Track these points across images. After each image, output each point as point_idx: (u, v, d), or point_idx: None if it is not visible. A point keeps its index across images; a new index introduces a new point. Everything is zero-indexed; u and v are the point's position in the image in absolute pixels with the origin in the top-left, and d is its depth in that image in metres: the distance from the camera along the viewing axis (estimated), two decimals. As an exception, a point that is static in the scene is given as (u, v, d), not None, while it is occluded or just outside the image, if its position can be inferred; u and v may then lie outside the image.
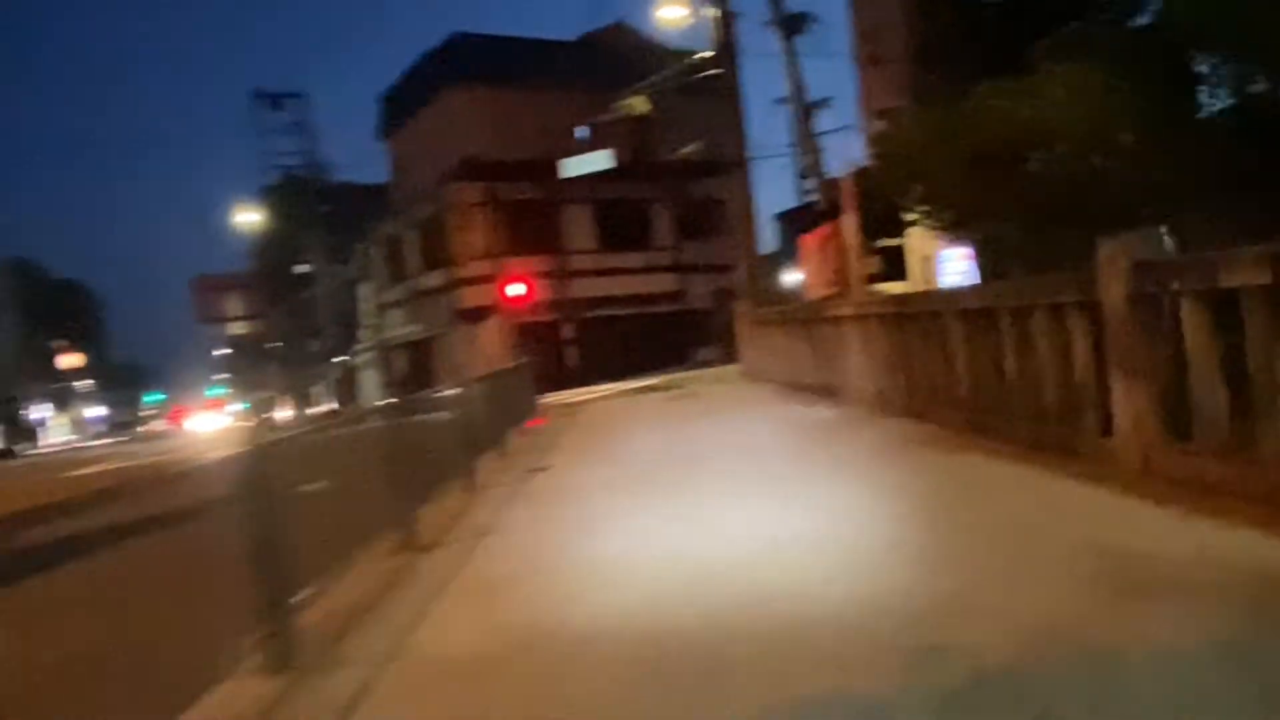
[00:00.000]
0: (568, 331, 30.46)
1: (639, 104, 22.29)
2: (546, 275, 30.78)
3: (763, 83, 47.06)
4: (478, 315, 30.20)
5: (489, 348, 30.11)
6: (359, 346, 39.76)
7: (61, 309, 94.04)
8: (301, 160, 41.03)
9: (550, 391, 27.58)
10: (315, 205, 39.40)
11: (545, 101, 31.08)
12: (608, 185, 31.89)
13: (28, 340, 79.70)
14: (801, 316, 12.86)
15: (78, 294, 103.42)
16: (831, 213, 15.18)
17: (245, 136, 42.96)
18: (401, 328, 34.56)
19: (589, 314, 31.16)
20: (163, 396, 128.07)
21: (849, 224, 13.00)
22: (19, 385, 76.84)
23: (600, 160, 29.29)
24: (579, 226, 32.10)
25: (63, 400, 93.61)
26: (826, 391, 11.48)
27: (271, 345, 55.26)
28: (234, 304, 59.44)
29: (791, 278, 34.51)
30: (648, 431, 11.19)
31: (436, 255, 31.63)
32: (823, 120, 32.19)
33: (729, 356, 34.03)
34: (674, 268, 34.09)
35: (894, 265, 17.49)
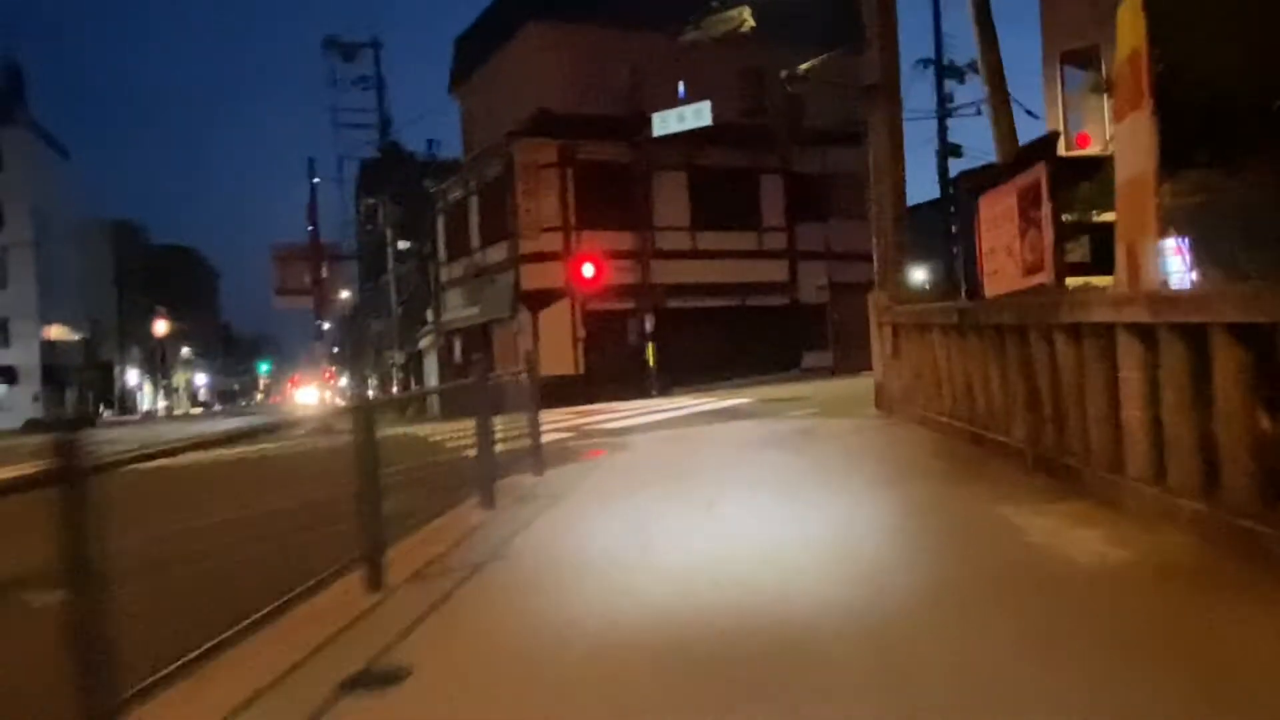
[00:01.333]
0: (648, 324, 25.10)
1: (742, 16, 16.67)
2: (627, 255, 25.48)
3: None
4: (542, 299, 25.11)
5: (554, 339, 24.99)
6: (423, 330, 35.27)
7: (167, 275, 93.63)
8: (376, 120, 36.65)
9: (613, 400, 22.43)
10: (413, 179, 35.13)
11: (639, 45, 25.73)
12: (707, 150, 26.39)
13: (132, 306, 78.88)
14: (994, 319, 7.19)
15: (187, 259, 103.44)
16: (1019, 167, 9.52)
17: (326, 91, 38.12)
18: (461, 310, 29.79)
19: (675, 304, 25.73)
20: (269, 367, 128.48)
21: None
22: (118, 352, 75.94)
23: (698, 115, 23.77)
24: (670, 198, 26.66)
25: (162, 367, 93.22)
26: (1050, 463, 5.91)
27: (364, 323, 52.28)
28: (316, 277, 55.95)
29: (928, 275, 28.35)
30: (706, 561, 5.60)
31: (499, 226, 26.67)
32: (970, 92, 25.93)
33: (844, 363, 28.33)
34: (783, 253, 28.33)
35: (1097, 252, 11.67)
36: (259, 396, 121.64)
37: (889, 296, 11.12)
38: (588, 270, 24.31)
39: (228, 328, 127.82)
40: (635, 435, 11.42)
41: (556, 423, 14.47)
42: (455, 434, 9.37)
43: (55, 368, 60.06)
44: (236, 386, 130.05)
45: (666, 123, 24.05)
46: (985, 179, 10.78)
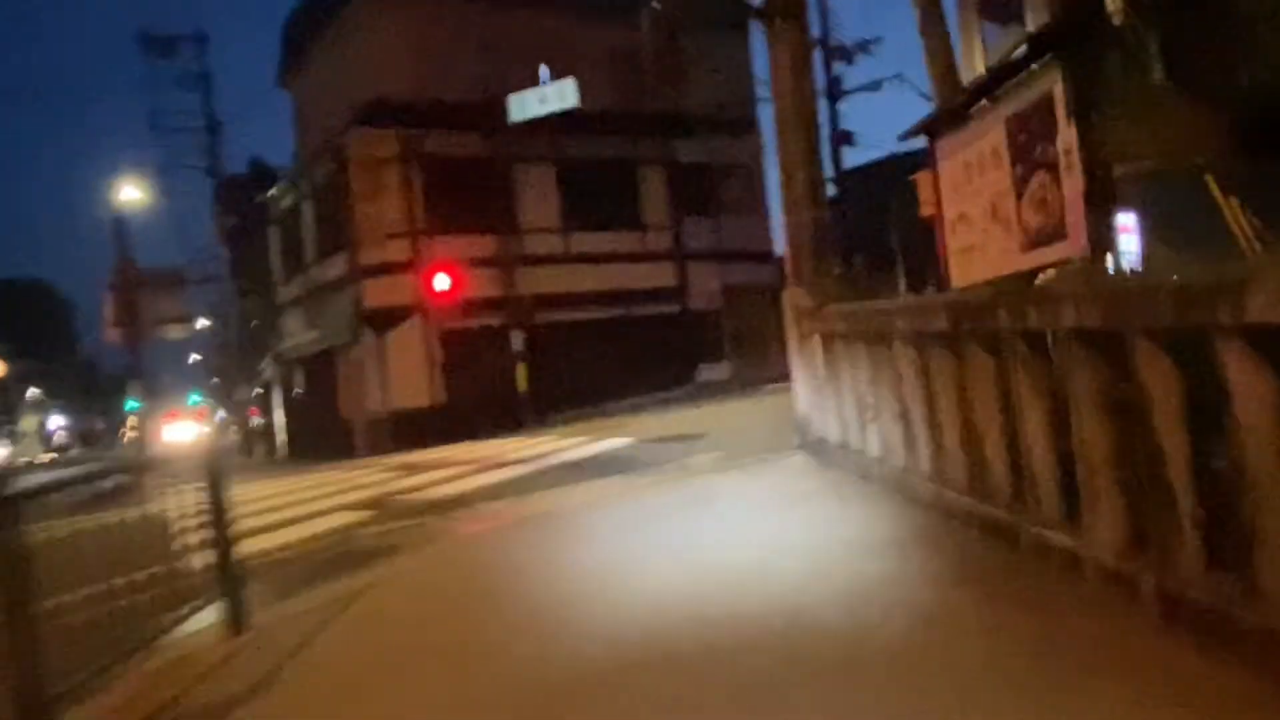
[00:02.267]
0: (517, 342, 21.49)
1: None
2: (489, 263, 21.84)
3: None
4: (389, 319, 21.22)
5: (406, 365, 21.14)
6: (264, 361, 30.80)
7: (13, 312, 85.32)
8: (202, 121, 32.02)
9: (473, 438, 18.78)
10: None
11: (493, 21, 22.17)
12: (577, 139, 23.00)
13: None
14: (1032, 321, 3.87)
15: (36, 293, 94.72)
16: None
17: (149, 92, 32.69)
18: (300, 335, 25.59)
19: (549, 317, 22.18)
20: (138, 405, 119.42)
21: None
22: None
23: (562, 95, 20.33)
24: (537, 195, 23.12)
25: (9, 411, 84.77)
26: (1208, 619, 2.65)
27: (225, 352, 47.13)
28: (164, 305, 50.17)
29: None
30: None
31: (336, 235, 22.67)
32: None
33: (744, 375, 25.26)
34: (670, 254, 25.10)
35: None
36: (126, 435, 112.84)
37: (813, 293, 7.81)
38: (442, 282, 20.58)
39: (91, 364, 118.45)
40: (455, 516, 7.85)
41: (360, 487, 10.82)
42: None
43: None
44: (100, 426, 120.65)
45: (525, 106, 20.54)
46: (940, 124, 7.61)
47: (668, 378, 23.64)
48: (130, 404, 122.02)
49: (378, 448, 20.63)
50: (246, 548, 5.50)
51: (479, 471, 10.78)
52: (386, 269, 21.21)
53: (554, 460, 10.79)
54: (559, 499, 7.73)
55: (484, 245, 21.81)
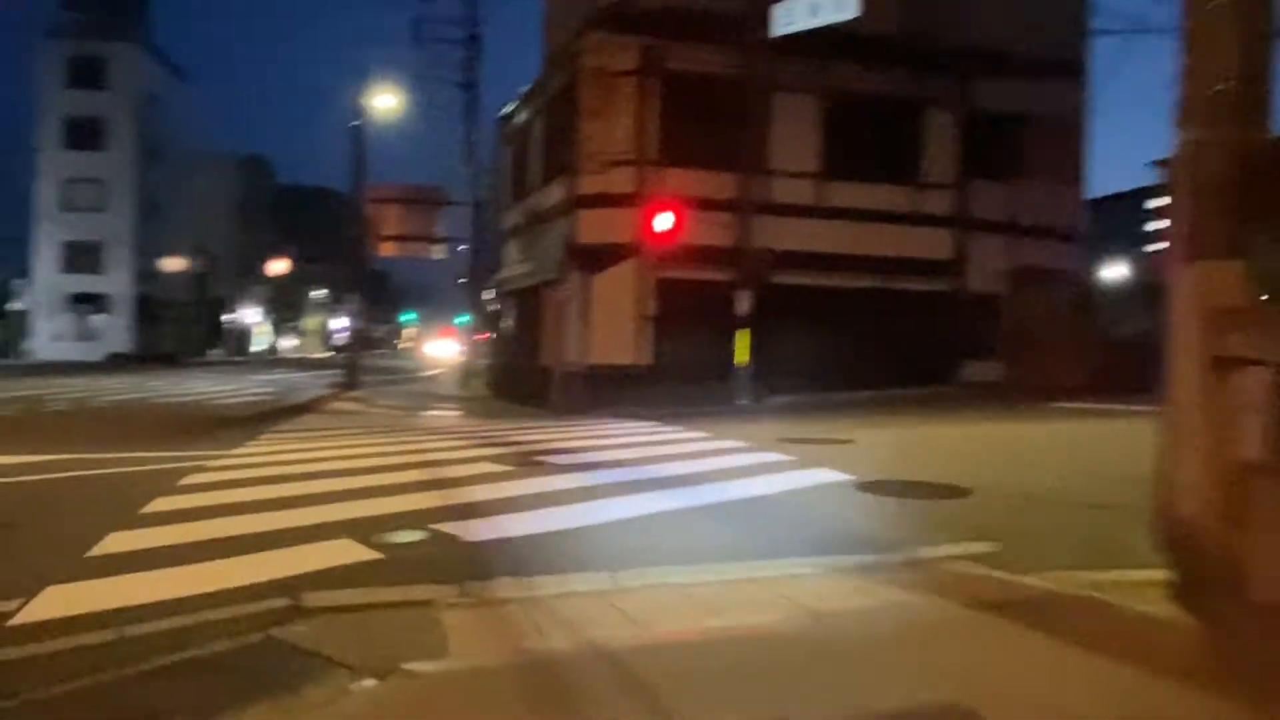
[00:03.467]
0: (744, 304, 17.92)
1: None
2: (723, 205, 18.30)
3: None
4: (601, 258, 18.28)
5: (613, 314, 18.18)
6: (486, 290, 29.09)
7: (306, 215, 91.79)
8: (464, 33, 30.44)
9: (685, 406, 15.50)
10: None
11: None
12: (852, 68, 18.92)
13: (260, 244, 76.52)
14: None
15: (332, 201, 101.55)
16: None
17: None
18: (517, 266, 23.33)
19: (787, 279, 18.41)
20: (415, 316, 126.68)
21: None
22: (235, 289, 73.72)
23: (838, 6, 16.26)
24: (793, 131, 19.25)
25: (289, 309, 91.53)
26: None
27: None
28: (420, 224, 50.73)
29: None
30: None
31: (560, 159, 19.95)
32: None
33: (1019, 381, 20.23)
34: (949, 220, 20.50)
35: None
36: (400, 344, 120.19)
37: (1248, 276, 3.74)
38: (664, 222, 17.26)
39: (380, 274, 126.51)
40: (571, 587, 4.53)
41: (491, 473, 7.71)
42: None
43: (157, 300, 57.51)
44: (378, 334, 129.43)
45: (793, 14, 16.63)
46: None
47: (923, 371, 19.28)
48: (406, 315, 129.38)
49: (570, 406, 17.89)
50: None
51: (636, 468, 7.42)
52: (605, 200, 18.22)
53: (708, 493, 7.18)
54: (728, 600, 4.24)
55: (720, 184, 18.28)
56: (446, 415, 17.62)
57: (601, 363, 18.11)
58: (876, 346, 19.11)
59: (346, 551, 5.11)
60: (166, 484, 7.19)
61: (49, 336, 53.35)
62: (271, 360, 62.76)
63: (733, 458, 9.10)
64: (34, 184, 53.64)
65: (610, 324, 18.15)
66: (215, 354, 67.54)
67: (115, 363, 45.21)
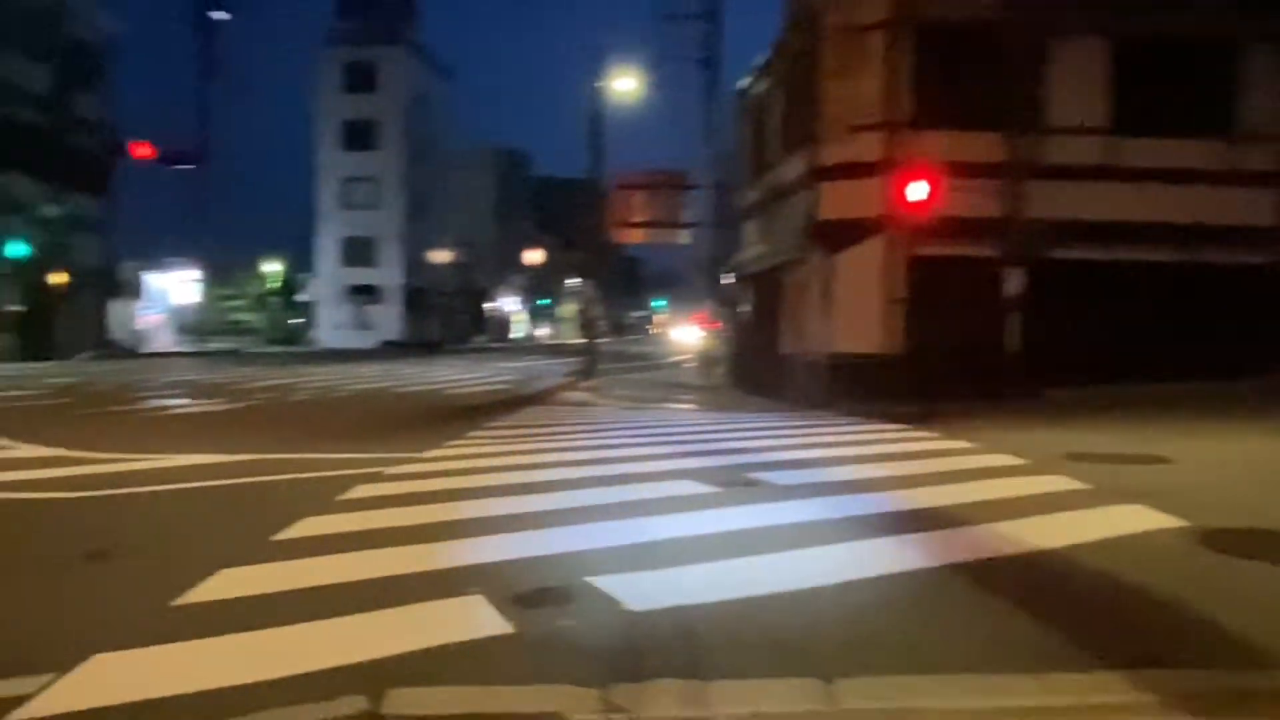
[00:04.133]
0: (1014, 283, 15.46)
1: None
2: (986, 170, 15.90)
3: None
4: (845, 234, 16.44)
5: (858, 296, 16.36)
6: (724, 273, 27.76)
7: (563, 206, 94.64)
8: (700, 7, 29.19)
9: (945, 400, 13.41)
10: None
11: None
12: (1147, 5, 15.90)
13: (516, 234, 79.77)
14: None
15: (588, 191, 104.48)
16: None
17: None
18: (754, 247, 21.84)
19: (1067, 254, 15.72)
20: (664, 303, 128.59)
21: None
22: (494, 278, 77.10)
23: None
24: (1076, 83, 16.40)
25: (545, 296, 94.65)
26: None
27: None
28: (661, 209, 50.33)
29: None
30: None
31: (800, 127, 18.21)
32: None
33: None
34: (1273, 179, 16.88)
35: None
36: (652, 330, 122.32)
37: None
38: (918, 191, 15.09)
39: (631, 260, 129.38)
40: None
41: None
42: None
43: (424, 290, 60.89)
44: (631, 319, 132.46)
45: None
46: None
47: (1233, 361, 15.94)
48: (657, 302, 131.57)
49: (810, 399, 16.28)
50: None
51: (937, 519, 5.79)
52: (850, 171, 16.31)
53: (973, 541, 5.34)
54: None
55: (984, 146, 15.88)
56: (676, 409, 16.48)
57: (845, 351, 16.27)
58: (1176, 332, 15.98)
59: (470, 616, 3.88)
60: (323, 498, 6.34)
61: (331, 326, 57.79)
62: (528, 347, 64.93)
63: (1005, 482, 7.17)
64: (315, 184, 58.22)
65: (855, 308, 16.25)
66: (478, 341, 70.89)
67: (386, 350, 48.01)
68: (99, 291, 35.20)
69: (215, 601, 4.09)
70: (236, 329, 60.80)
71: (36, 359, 28.36)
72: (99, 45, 35.75)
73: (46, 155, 30.93)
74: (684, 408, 16.80)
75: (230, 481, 7.21)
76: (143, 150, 29.26)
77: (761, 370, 20.26)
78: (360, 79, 57.60)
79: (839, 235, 16.48)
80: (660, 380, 26.15)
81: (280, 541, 5.09)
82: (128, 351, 35.68)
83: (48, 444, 9.28)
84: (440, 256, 63.40)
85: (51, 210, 30.28)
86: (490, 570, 4.50)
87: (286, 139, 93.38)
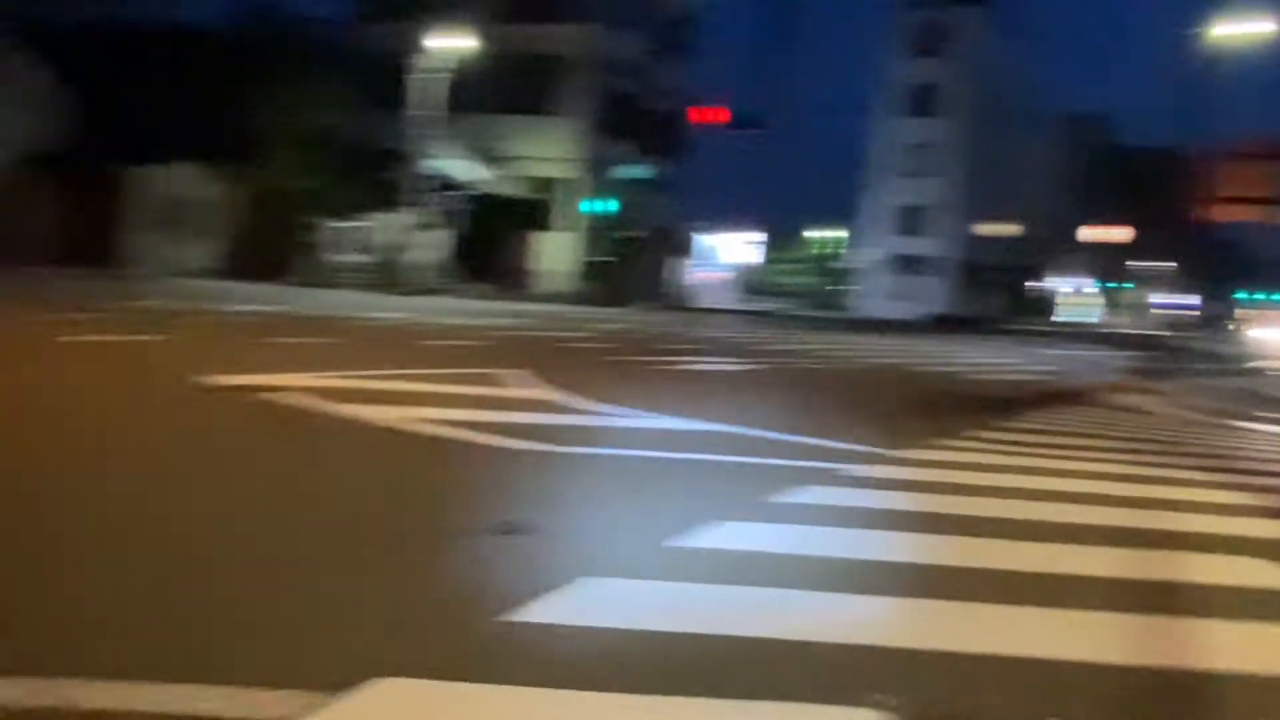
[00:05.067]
0: None
1: None
2: None
3: None
4: None
5: None
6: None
7: (1143, 179, 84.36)
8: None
9: None
10: None
11: None
12: None
13: (1085, 209, 72.46)
14: None
15: (1170, 163, 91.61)
16: None
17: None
18: None
19: None
20: (1247, 296, 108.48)
21: None
22: (1050, 254, 70.91)
23: None
24: None
25: (1106, 276, 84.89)
26: None
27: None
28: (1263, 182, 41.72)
29: None
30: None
31: None
32: None
33: None
34: None
35: None
36: (1230, 327, 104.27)
37: None
38: None
39: (1224, 244, 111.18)
40: None
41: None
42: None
43: (974, 264, 57.79)
44: (1209, 312, 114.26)
45: None
46: None
47: None
48: (1241, 294, 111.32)
49: None
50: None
51: None
52: None
53: None
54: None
55: None
56: (1267, 433, 12.84)
57: None
58: None
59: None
60: (748, 496, 5.31)
61: (874, 294, 57.49)
62: (1080, 333, 58.66)
63: None
64: (869, 150, 57.88)
65: None
66: (1024, 321, 65.82)
67: (925, 324, 46.31)
68: (664, 248, 38.49)
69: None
70: (785, 291, 63.40)
71: (607, 305, 31.78)
72: (684, 16, 38.65)
73: (633, 120, 34.26)
74: (1277, 430, 13.04)
75: (667, 455, 6.54)
76: (717, 114, 30.93)
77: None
78: (932, 42, 55.74)
79: None
80: (1247, 390, 21.25)
81: (670, 549, 4.15)
82: (681, 305, 38.65)
83: (550, 385, 9.56)
84: (995, 230, 59.57)
85: (638, 172, 33.50)
86: (902, 673, 3.07)
87: (855, 105, 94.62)
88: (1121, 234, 69.18)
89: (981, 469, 6.90)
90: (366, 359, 10.23)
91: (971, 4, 54.94)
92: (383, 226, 28.06)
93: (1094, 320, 78.61)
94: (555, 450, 6.34)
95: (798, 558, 4.12)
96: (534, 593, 3.28)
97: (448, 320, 18.00)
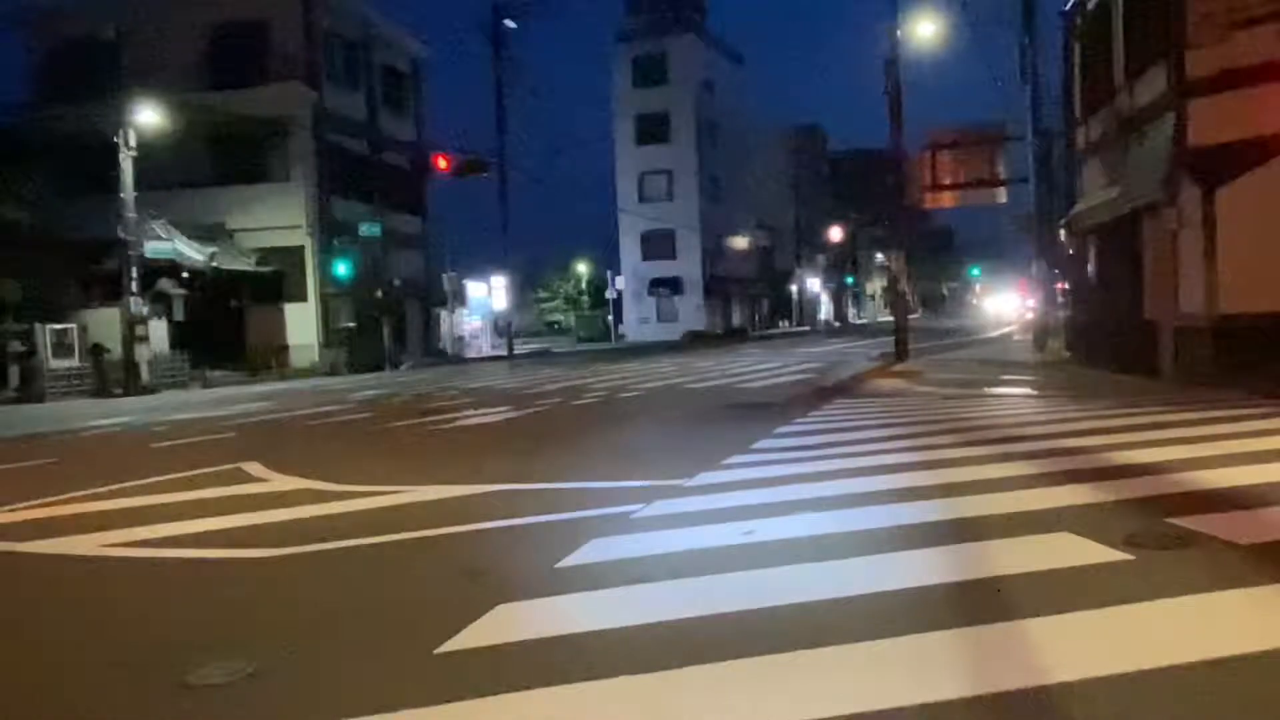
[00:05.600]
0: None
1: None
2: None
3: None
4: (1223, 164, 12.81)
5: (1247, 243, 12.77)
6: (1059, 226, 23.92)
7: (859, 179, 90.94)
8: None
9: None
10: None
11: None
12: None
13: (815, 213, 77.02)
14: None
15: (881, 162, 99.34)
16: None
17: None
18: (1097, 194, 18.16)
19: None
20: (978, 272, 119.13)
21: None
22: (795, 260, 74.80)
23: None
24: None
25: (851, 274, 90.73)
26: None
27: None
28: (974, 168, 45.80)
29: None
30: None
31: (1151, 37, 14.62)
32: None
33: None
34: None
35: None
36: (974, 301, 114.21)
37: None
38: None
39: (944, 230, 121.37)
40: None
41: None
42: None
43: (724, 278, 59.92)
44: (945, 291, 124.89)
45: None
46: None
47: None
48: (973, 271, 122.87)
49: (1191, 376, 12.93)
50: None
51: None
52: (1231, 80, 12.64)
53: None
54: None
55: None
56: (1011, 396, 13.64)
57: (1238, 312, 12.66)
58: None
59: None
60: (538, 565, 4.68)
61: (637, 320, 58.35)
62: (833, 329, 62.26)
63: None
64: (615, 180, 58.99)
65: (1251, 256, 12.55)
66: (783, 326, 69.05)
67: (688, 342, 47.40)
68: (423, 303, 37.15)
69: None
70: (553, 329, 63.23)
71: (366, 371, 30.11)
72: (409, 70, 37.75)
73: (367, 177, 32.91)
74: (1021, 393, 13.90)
75: (448, 531, 5.80)
76: (440, 162, 30.20)
77: (1114, 342, 16.79)
78: (651, 72, 57.61)
79: (1219, 164, 12.86)
80: (985, 358, 22.92)
81: (441, 655, 3.45)
82: (451, 358, 37.42)
83: (298, 471, 8.52)
84: (739, 243, 62.18)
85: (373, 229, 32.07)
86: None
87: (590, 140, 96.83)
88: (840, 232, 74.00)
89: (770, 482, 6.62)
90: (80, 478, 8.75)
91: (683, 32, 57.27)
92: (99, 323, 25.25)
93: (850, 315, 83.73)
94: (308, 551, 5.45)
95: (566, 641, 3.53)
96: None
97: (183, 415, 16.23)
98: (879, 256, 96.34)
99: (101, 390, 23.47)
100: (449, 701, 2.95)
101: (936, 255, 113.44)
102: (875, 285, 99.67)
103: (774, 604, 3.74)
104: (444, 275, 38.86)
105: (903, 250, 26.68)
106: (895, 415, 11.04)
